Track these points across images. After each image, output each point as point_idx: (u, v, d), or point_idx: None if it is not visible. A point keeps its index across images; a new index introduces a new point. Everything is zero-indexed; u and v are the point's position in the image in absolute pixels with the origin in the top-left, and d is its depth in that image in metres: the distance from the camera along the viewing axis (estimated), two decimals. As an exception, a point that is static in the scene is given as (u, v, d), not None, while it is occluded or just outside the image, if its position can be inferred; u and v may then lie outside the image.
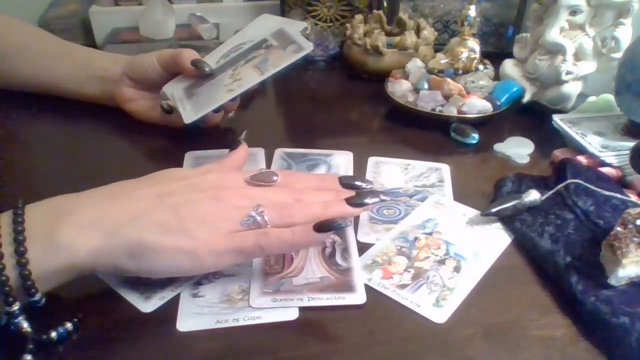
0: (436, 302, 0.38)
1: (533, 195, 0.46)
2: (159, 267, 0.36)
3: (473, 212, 0.48)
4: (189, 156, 0.55)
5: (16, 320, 0.33)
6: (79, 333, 0.35)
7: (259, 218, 0.37)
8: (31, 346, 0.33)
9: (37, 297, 0.34)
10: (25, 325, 0.33)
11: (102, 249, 0.34)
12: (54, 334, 0.34)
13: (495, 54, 0.73)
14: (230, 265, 0.39)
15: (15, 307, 0.33)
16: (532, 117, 0.64)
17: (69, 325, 0.35)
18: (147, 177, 0.40)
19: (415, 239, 0.45)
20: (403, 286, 0.40)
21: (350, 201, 0.40)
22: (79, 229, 0.34)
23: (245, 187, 0.40)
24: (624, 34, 0.59)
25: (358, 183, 0.44)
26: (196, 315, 0.37)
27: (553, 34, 0.61)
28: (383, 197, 0.42)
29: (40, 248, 0.33)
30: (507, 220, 0.46)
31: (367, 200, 0.40)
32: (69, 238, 0.34)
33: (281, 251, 0.41)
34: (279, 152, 0.56)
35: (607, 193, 0.45)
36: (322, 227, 0.37)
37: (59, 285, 0.35)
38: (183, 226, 0.36)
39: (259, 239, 0.36)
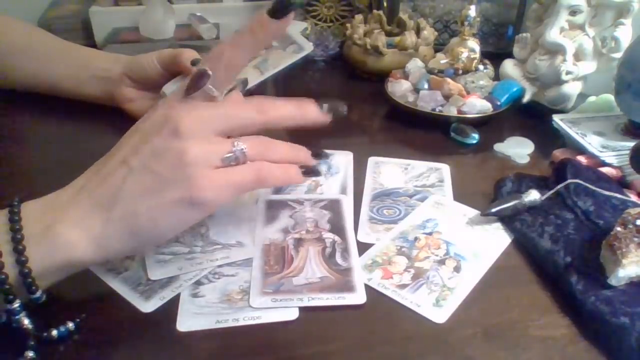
0: (436, 302, 0.38)
1: (533, 195, 0.46)
2: (164, 230, 0.35)
3: (473, 212, 0.48)
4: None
5: (17, 317, 0.33)
6: (80, 333, 0.35)
7: (239, 154, 0.36)
8: (32, 343, 0.33)
9: (38, 294, 0.34)
10: (26, 322, 0.33)
11: (102, 238, 0.34)
12: (54, 332, 0.34)
13: (495, 54, 0.73)
14: (230, 200, 0.36)
15: (16, 304, 0.33)
16: (532, 117, 0.64)
17: (70, 325, 0.35)
18: (113, 148, 0.38)
19: (415, 239, 0.45)
20: (403, 286, 0.40)
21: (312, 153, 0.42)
22: (75, 223, 0.34)
23: (201, 107, 0.37)
24: (624, 34, 0.59)
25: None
26: (196, 315, 0.37)
27: (553, 34, 0.61)
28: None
29: (38, 246, 0.33)
30: (507, 220, 0.46)
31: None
32: (66, 233, 0.33)
33: (277, 185, 0.42)
34: (279, 152, 0.56)
35: (607, 193, 0.45)
36: (312, 154, 0.40)
37: (60, 280, 0.35)
38: (164, 180, 0.34)
39: (258, 174, 0.36)
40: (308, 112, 0.40)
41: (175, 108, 0.36)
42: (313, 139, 0.59)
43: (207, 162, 0.35)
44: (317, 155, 0.43)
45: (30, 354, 0.33)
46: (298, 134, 0.62)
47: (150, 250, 0.41)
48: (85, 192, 0.35)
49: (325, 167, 0.54)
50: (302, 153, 0.41)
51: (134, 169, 0.35)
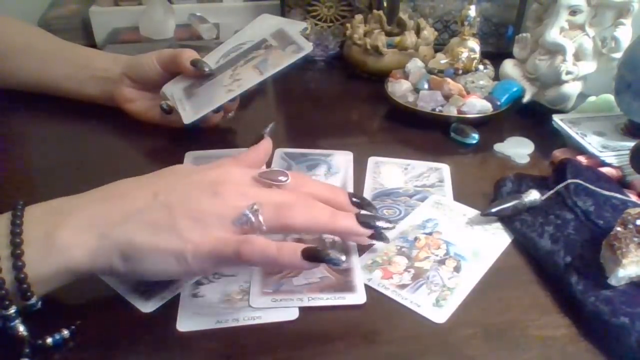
0: (436, 302, 0.38)
1: (533, 195, 0.46)
2: (147, 269, 0.35)
3: (473, 212, 0.48)
4: (188, 156, 0.55)
5: (12, 324, 0.33)
6: (75, 340, 0.35)
7: (252, 218, 0.35)
8: (27, 350, 0.33)
9: (33, 300, 0.33)
10: (21, 328, 0.33)
11: (97, 250, 0.34)
12: (49, 340, 0.34)
13: (495, 54, 0.73)
14: (213, 271, 0.37)
15: (12, 310, 0.32)
16: (532, 117, 0.64)
17: (65, 332, 0.34)
18: (152, 175, 0.38)
19: (415, 239, 0.45)
20: (403, 286, 0.40)
21: (360, 218, 0.38)
22: (76, 231, 0.34)
23: (249, 185, 0.38)
24: (624, 34, 0.59)
25: (370, 208, 0.41)
26: (196, 316, 0.37)
27: (553, 34, 0.61)
28: (392, 225, 0.40)
29: (36, 251, 0.33)
30: (507, 220, 0.46)
31: (379, 223, 0.38)
32: (66, 240, 0.33)
33: (262, 265, 0.38)
34: (279, 152, 0.56)
35: (607, 193, 0.45)
36: (311, 255, 0.34)
37: (56, 288, 0.35)
38: (174, 225, 0.34)
39: (240, 247, 0.33)
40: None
41: (229, 176, 0.37)
42: (313, 139, 0.60)
43: (217, 225, 0.35)
44: (372, 217, 0.39)
45: None
46: (298, 134, 0.62)
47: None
48: (101, 202, 0.36)
49: (325, 167, 0.54)
50: (344, 218, 0.38)
51: (159, 204, 0.35)
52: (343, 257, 0.34)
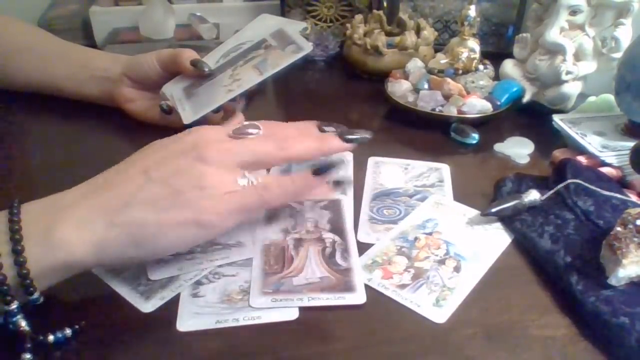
0: (436, 302, 0.38)
1: (533, 195, 0.46)
2: (167, 246, 0.36)
3: (473, 212, 0.48)
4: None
5: (14, 319, 0.33)
6: (77, 339, 0.35)
7: (253, 179, 0.38)
8: (29, 345, 0.33)
9: (36, 295, 0.33)
10: (23, 323, 0.33)
11: (103, 242, 0.34)
12: (51, 338, 0.34)
13: (495, 54, 0.73)
14: (237, 224, 0.38)
15: (14, 305, 0.33)
16: (532, 117, 0.64)
17: (68, 332, 0.35)
18: (129, 159, 0.39)
19: (415, 239, 0.45)
20: (403, 286, 0.40)
21: (342, 136, 0.42)
22: (76, 225, 0.34)
23: (228, 141, 0.39)
24: (624, 34, 0.59)
25: (335, 128, 0.45)
26: (196, 315, 0.37)
27: (553, 34, 0.61)
28: (369, 135, 0.44)
29: (37, 246, 0.33)
30: (507, 220, 0.46)
31: (357, 136, 0.43)
32: (67, 235, 0.33)
33: (284, 201, 0.42)
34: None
35: (607, 193, 0.45)
36: (320, 169, 0.40)
37: (58, 282, 0.35)
38: (180, 196, 0.35)
39: (262, 194, 0.37)
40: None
41: (205, 137, 0.38)
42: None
43: (222, 188, 0.36)
44: (350, 132, 0.43)
45: (28, 356, 0.33)
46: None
47: (148, 262, 0.41)
48: (96, 194, 0.35)
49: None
50: (331, 140, 0.42)
51: (153, 181, 0.36)
52: (343, 160, 0.41)
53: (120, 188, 0.36)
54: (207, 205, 0.36)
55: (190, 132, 0.40)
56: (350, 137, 0.43)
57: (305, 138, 0.42)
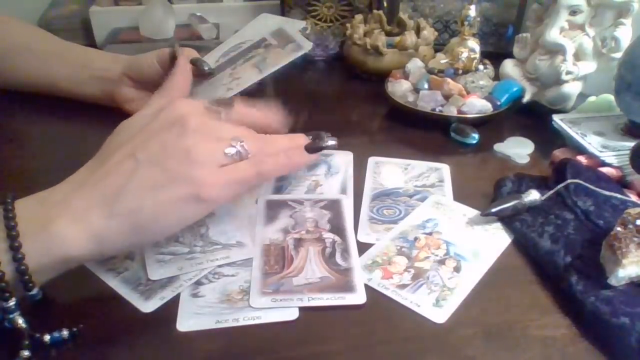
0: (436, 302, 0.38)
1: (533, 195, 0.46)
2: (167, 226, 0.36)
3: (473, 212, 0.48)
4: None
5: (11, 316, 0.33)
6: (77, 339, 0.35)
7: (240, 149, 0.38)
8: (27, 342, 0.33)
9: (35, 290, 0.33)
10: (20, 321, 0.33)
11: (101, 233, 0.34)
12: (47, 337, 0.34)
13: (495, 54, 0.73)
14: (234, 197, 0.38)
15: (11, 302, 0.33)
16: (532, 117, 0.64)
17: (65, 333, 0.34)
18: (108, 144, 0.38)
19: (415, 239, 0.45)
20: (403, 286, 0.40)
21: (308, 148, 0.43)
22: (72, 219, 0.34)
23: (207, 113, 0.39)
24: (624, 34, 0.59)
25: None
26: (196, 315, 0.37)
27: (553, 34, 0.61)
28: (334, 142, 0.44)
29: (34, 243, 0.33)
30: (507, 220, 0.46)
31: (324, 144, 0.43)
32: (64, 229, 0.33)
33: (279, 174, 0.44)
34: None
35: (607, 193, 0.45)
36: (313, 148, 0.42)
37: (57, 276, 0.35)
38: (172, 174, 0.35)
39: (258, 168, 0.38)
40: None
41: (183, 110, 0.38)
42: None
43: (213, 160, 0.36)
44: (317, 140, 0.44)
45: (26, 353, 0.33)
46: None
47: (149, 248, 0.41)
48: (87, 186, 0.35)
49: (325, 167, 0.54)
50: (301, 140, 0.43)
51: (142, 163, 0.35)
52: (334, 142, 0.43)
53: (112, 176, 0.35)
54: (204, 178, 0.35)
55: (163, 108, 0.38)
56: (315, 147, 0.43)
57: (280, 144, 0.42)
